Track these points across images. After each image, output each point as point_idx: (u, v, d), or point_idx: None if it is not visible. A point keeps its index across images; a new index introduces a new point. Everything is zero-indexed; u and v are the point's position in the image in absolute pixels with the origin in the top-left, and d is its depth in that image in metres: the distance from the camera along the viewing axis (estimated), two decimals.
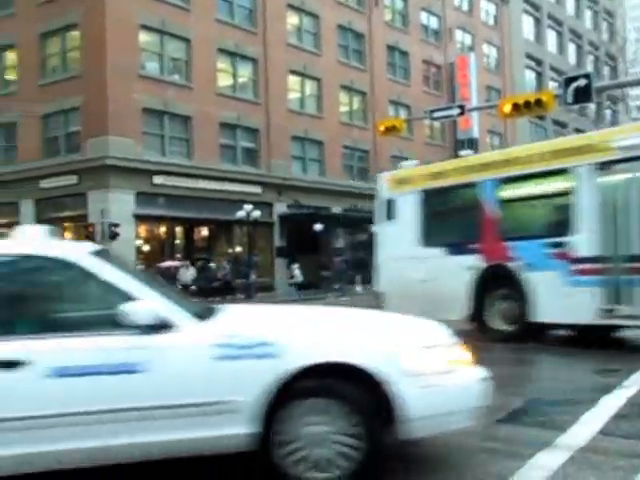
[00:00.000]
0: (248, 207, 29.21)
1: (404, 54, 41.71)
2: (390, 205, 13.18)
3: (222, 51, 31.25)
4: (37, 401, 3.87)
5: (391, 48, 40.72)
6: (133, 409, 3.91)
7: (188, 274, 27.16)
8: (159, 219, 29.13)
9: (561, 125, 51.93)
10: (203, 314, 4.46)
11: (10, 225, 29.43)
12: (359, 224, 33.80)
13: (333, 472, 4.00)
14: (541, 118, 47.59)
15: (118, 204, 26.50)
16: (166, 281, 24.85)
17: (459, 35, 46.73)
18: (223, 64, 31.77)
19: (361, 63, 38.82)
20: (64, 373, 3.86)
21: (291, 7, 34.79)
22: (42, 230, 4.64)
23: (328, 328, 4.46)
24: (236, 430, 3.98)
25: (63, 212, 28.48)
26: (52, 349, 3.93)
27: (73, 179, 27.37)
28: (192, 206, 29.08)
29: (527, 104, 17.47)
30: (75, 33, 28.18)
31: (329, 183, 35.53)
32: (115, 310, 3.99)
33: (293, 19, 35.29)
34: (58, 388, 3.86)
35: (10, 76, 30.76)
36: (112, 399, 3.89)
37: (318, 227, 32.30)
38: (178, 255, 29.51)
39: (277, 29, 33.68)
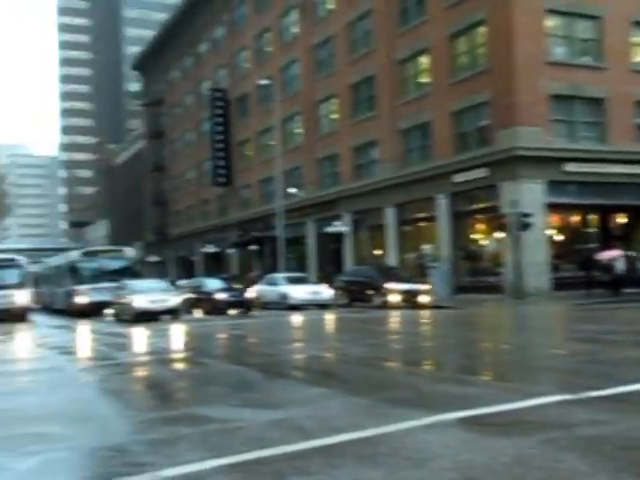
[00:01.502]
0: None
1: None
2: None
3: (638, 24, 28.91)
4: None
5: None
6: None
7: (621, 264, 25.55)
8: (571, 207, 28.23)
9: None
10: None
11: (428, 219, 31.59)
12: None
13: None
14: None
15: (528, 194, 26.36)
16: (601, 272, 24.94)
17: None
18: (638, 38, 29.39)
19: None
20: None
21: None
22: None
23: None
24: None
25: (474, 205, 29.44)
26: None
27: (483, 172, 28.02)
28: (606, 192, 27.59)
29: None
30: (482, 29, 28.80)
31: None
32: None
33: None
34: None
35: (423, 79, 32.81)
36: None
37: None
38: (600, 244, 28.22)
39: None
